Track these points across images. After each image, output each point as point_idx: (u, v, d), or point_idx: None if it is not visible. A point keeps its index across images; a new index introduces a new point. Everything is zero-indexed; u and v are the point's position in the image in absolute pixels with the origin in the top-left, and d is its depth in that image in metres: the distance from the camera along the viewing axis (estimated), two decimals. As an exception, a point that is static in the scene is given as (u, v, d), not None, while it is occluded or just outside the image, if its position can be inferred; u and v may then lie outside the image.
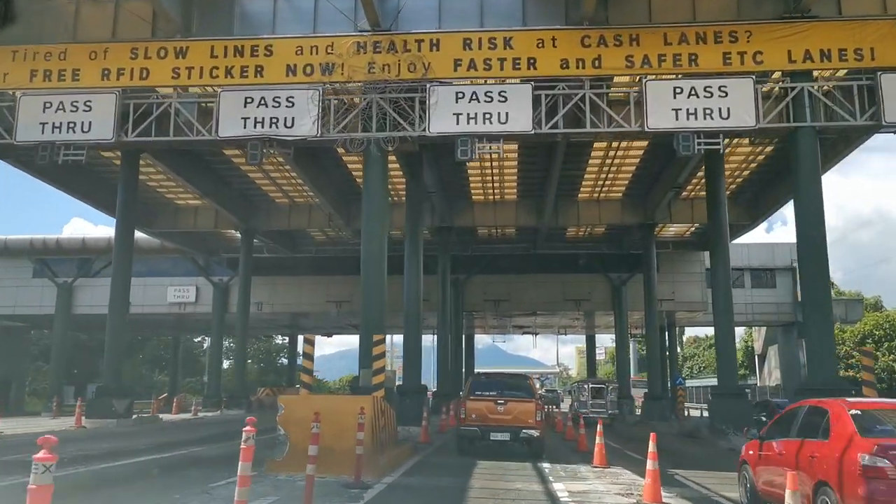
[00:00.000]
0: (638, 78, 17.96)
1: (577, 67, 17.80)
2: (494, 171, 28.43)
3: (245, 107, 18.15)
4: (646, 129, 17.54)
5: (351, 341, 71.80)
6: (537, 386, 21.21)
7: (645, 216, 31.76)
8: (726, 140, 18.62)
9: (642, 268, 34.26)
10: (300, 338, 52.55)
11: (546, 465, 13.28)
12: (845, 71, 18.13)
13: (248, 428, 6.18)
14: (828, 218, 18.11)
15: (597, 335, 60.19)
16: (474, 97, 17.76)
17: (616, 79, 18.99)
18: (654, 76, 17.75)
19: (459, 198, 31.60)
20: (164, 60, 18.74)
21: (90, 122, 18.47)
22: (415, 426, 18.61)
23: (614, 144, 25.27)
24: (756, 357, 56.91)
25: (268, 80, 18.39)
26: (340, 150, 23.16)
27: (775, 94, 18.21)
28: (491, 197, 31.71)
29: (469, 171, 28.45)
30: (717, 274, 24.08)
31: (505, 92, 17.77)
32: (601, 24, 17.94)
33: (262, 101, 18.10)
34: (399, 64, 18.01)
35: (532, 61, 17.87)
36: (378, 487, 9.80)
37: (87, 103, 18.55)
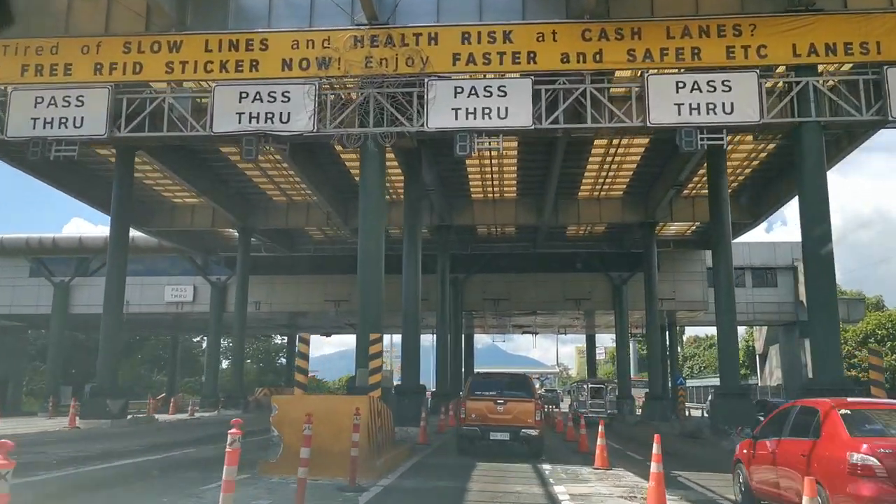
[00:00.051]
0: (640, 72, 17.71)
1: (578, 62, 17.52)
2: (494, 168, 28.15)
3: (240, 102, 17.87)
4: (648, 124, 17.25)
5: (351, 341, 70.80)
6: (537, 386, 21.00)
7: (646, 214, 31.49)
8: (729, 136, 18.35)
9: (643, 267, 34.01)
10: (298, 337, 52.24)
11: (546, 467, 13.03)
12: (851, 65, 17.88)
13: (233, 430, 5.85)
14: (828, 217, 17.79)
15: (597, 335, 60.02)
16: (473, 92, 17.49)
17: (617, 73, 18.75)
18: (656, 70, 17.47)
19: (459, 196, 31.32)
20: (157, 54, 18.45)
21: (82, 118, 18.18)
22: (413, 427, 18.36)
23: (615, 142, 25.00)
24: (757, 357, 56.69)
25: (263, 74, 18.11)
26: (338, 147, 22.89)
27: (779, 90, 17.95)
28: (490, 195, 31.44)
29: (468, 169, 28.18)
30: (719, 272, 23.73)
31: (504, 86, 17.49)
32: (602, 17, 17.69)
33: (258, 96, 17.82)
34: (397, 58, 17.74)
35: (532, 55, 17.58)
36: (374, 490, 9.53)
37: (80, 98, 18.25)
